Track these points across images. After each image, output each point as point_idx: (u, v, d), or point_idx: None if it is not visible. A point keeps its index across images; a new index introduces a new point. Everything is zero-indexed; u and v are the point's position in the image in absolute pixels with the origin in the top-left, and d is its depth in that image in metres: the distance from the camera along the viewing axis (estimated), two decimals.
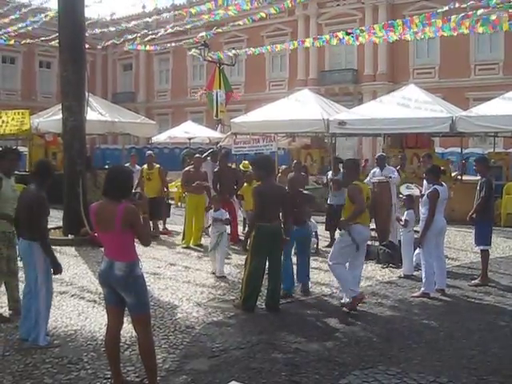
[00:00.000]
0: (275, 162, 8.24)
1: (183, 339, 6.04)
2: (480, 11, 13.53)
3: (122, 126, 19.15)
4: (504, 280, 9.00)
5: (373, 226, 9.70)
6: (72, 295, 7.81)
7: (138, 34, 22.79)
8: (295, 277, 8.16)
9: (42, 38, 21.38)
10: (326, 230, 12.02)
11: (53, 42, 18.57)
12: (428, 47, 34.24)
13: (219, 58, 21.10)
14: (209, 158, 13.70)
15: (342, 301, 7.37)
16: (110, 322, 4.88)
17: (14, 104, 34.19)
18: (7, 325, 6.39)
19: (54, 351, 5.62)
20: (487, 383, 5.02)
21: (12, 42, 22.38)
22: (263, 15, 18.57)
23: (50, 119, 18.56)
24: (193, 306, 7.36)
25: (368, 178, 11.55)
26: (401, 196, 10.23)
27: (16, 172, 7.29)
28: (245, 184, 12.67)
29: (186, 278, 8.99)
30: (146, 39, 23.02)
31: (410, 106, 16.27)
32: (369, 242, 11.04)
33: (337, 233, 8.20)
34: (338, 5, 37.72)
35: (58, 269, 5.88)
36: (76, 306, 7.29)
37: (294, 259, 8.35)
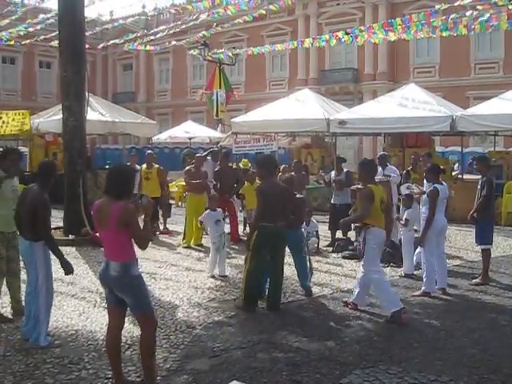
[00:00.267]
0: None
1: (184, 339, 6.04)
2: (478, 10, 13.53)
3: (123, 126, 19.15)
4: (505, 279, 9.00)
5: None
6: (73, 295, 7.81)
7: (138, 34, 22.79)
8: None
9: (42, 37, 21.34)
10: (329, 229, 12.01)
11: (53, 43, 18.57)
12: (428, 46, 34.19)
13: (219, 58, 21.11)
14: (209, 158, 13.70)
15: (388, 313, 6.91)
16: (110, 322, 4.87)
17: (14, 104, 34.16)
18: (8, 325, 6.39)
19: (55, 351, 5.62)
20: (488, 382, 5.02)
21: (12, 42, 22.37)
22: (263, 12, 18.59)
23: (51, 119, 18.56)
24: (194, 305, 7.36)
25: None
26: (400, 195, 10.23)
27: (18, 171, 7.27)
28: (246, 183, 12.68)
29: (186, 278, 8.99)
30: (146, 40, 23.01)
31: (410, 105, 16.25)
32: None
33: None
34: (338, 4, 37.67)
35: (68, 269, 5.88)
36: (77, 306, 7.30)
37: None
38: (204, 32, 20.70)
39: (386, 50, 34.92)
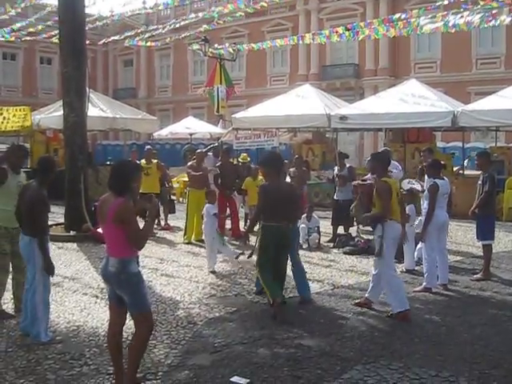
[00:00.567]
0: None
1: (185, 335, 6.04)
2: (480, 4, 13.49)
3: (124, 122, 19.16)
4: (506, 274, 9.00)
5: None
6: (74, 291, 7.82)
7: (139, 30, 22.75)
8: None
9: (43, 36, 21.32)
10: (332, 225, 12.01)
11: (53, 39, 18.54)
12: (429, 41, 34.11)
13: (220, 54, 21.06)
14: (210, 154, 13.69)
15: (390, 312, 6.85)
16: (111, 318, 4.86)
17: (14, 100, 34.16)
18: (9, 321, 6.41)
19: (57, 347, 5.63)
20: (489, 377, 5.02)
21: (13, 38, 22.35)
22: (265, 4, 18.55)
23: (51, 115, 18.57)
24: (195, 301, 7.37)
25: (370, 173, 11.53)
26: (401, 191, 10.20)
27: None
28: (249, 178, 12.70)
29: (187, 273, 9.00)
30: (147, 36, 22.96)
31: (411, 100, 16.24)
32: (370, 237, 11.10)
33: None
34: None
35: (50, 269, 5.83)
36: (78, 301, 7.31)
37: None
38: (205, 26, 20.63)
39: (387, 46, 34.86)
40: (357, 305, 7.12)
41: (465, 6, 14.32)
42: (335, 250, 11.02)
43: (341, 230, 11.95)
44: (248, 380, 4.88)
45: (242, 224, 13.10)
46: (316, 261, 9.94)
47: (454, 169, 17.26)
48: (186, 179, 13.11)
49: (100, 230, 11.76)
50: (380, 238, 6.78)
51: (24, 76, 45.07)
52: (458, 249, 11.12)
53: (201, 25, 21.02)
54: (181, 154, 22.54)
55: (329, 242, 11.68)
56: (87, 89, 12.78)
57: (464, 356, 5.49)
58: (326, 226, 12.14)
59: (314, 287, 7.97)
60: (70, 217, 12.36)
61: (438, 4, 14.95)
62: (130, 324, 5.95)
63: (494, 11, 12.84)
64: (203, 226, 9.78)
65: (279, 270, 7.08)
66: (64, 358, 5.36)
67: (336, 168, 12.35)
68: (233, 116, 19.70)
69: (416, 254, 9.25)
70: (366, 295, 7.13)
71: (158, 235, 12.67)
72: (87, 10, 13.66)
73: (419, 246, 8.91)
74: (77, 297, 7.54)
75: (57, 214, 13.33)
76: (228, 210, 12.32)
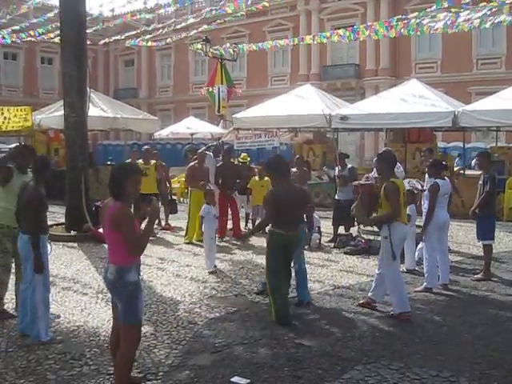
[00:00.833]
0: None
1: (186, 335, 6.04)
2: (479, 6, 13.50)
3: (124, 122, 19.16)
4: (507, 274, 8.99)
5: None
6: (75, 291, 7.82)
7: (139, 30, 22.77)
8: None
9: (44, 36, 21.36)
10: (333, 225, 12.01)
11: (55, 39, 18.57)
12: (430, 42, 34.10)
13: (221, 54, 21.08)
14: (211, 153, 13.66)
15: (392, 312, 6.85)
16: (114, 320, 4.79)
17: (15, 100, 34.18)
18: (10, 321, 6.40)
19: (57, 347, 5.63)
20: (490, 377, 5.01)
21: (14, 39, 22.37)
22: (266, 4, 18.55)
23: (52, 115, 18.57)
24: (195, 301, 7.36)
25: (372, 173, 11.54)
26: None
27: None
28: (255, 178, 12.73)
29: (188, 273, 8.99)
30: (148, 36, 22.97)
31: (412, 100, 16.24)
32: (371, 237, 11.11)
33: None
34: (340, 0, 37.60)
35: (38, 266, 5.79)
36: (79, 301, 7.30)
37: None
38: (205, 26, 20.65)
39: (388, 46, 34.86)
40: (360, 305, 7.10)
41: (465, 6, 14.30)
42: (336, 250, 11.01)
43: (341, 230, 11.94)
44: (248, 380, 4.88)
45: (242, 224, 13.10)
46: (317, 261, 9.94)
47: (455, 169, 17.26)
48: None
49: (101, 230, 11.80)
50: (386, 239, 6.75)
51: (25, 76, 45.09)
52: (459, 249, 11.12)
53: (202, 25, 21.01)
54: (182, 154, 22.54)
55: (329, 242, 11.68)
56: (88, 89, 12.79)
57: (465, 356, 5.49)
58: (326, 226, 12.14)
59: (314, 287, 7.98)
60: (70, 217, 12.36)
61: (437, 8, 14.93)
62: None
63: (493, 9, 12.83)
64: (202, 226, 9.78)
65: (288, 274, 6.87)
66: (64, 358, 5.36)
67: (337, 168, 12.34)
68: (234, 116, 19.72)
69: (417, 254, 9.25)
70: (369, 294, 7.11)
71: (158, 235, 12.67)
72: (88, 8, 13.67)
73: (420, 245, 8.91)
74: (77, 297, 7.54)
75: (57, 214, 13.35)
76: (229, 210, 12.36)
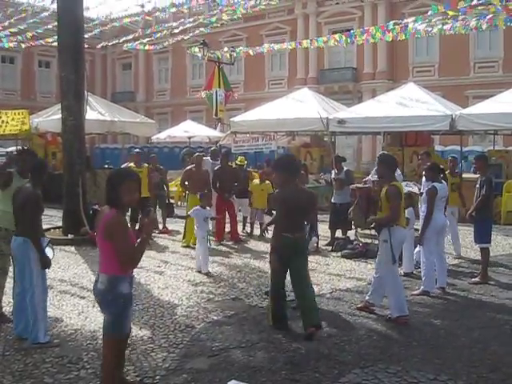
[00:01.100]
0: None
1: (183, 338, 6.03)
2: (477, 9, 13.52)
3: (122, 126, 19.16)
4: (504, 278, 9.00)
5: None
6: (72, 294, 7.81)
7: (137, 34, 22.76)
8: None
9: (41, 41, 21.38)
10: (329, 228, 12.01)
11: (52, 43, 18.56)
12: (427, 45, 34.18)
13: (218, 57, 21.11)
14: (208, 158, 13.65)
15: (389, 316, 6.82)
16: None
17: (13, 104, 34.13)
18: (7, 324, 6.38)
19: (54, 351, 5.62)
20: (487, 381, 5.02)
21: (12, 44, 22.39)
22: (263, 7, 18.57)
23: (50, 119, 18.57)
24: (193, 305, 7.36)
25: (369, 176, 11.56)
26: None
27: None
28: (255, 181, 12.76)
29: (186, 277, 8.99)
30: (146, 40, 22.98)
31: (409, 104, 16.26)
32: (368, 241, 11.12)
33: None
34: (338, 3, 37.63)
35: (46, 262, 5.83)
36: (76, 305, 7.29)
37: None
38: (202, 29, 20.66)
39: (386, 49, 34.90)
40: (359, 309, 7.08)
41: (463, 9, 14.33)
42: (333, 254, 11.02)
43: (339, 233, 11.95)
44: None
45: (239, 228, 13.10)
46: (314, 264, 9.92)
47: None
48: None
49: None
50: (386, 242, 6.75)
51: (22, 79, 45.05)
52: (457, 252, 11.10)
53: (199, 28, 21.03)
54: (179, 158, 22.54)
55: (327, 245, 11.68)
56: (85, 92, 12.78)
57: (462, 359, 5.49)
58: (324, 230, 12.13)
59: None
60: (67, 220, 12.35)
61: (434, 13, 14.95)
62: None
63: (489, 16, 12.85)
64: (195, 230, 9.83)
65: (299, 285, 6.37)
66: (61, 361, 5.35)
67: (333, 171, 12.35)
68: (231, 119, 19.74)
69: (414, 257, 9.25)
70: (367, 298, 7.10)
71: (156, 238, 12.66)
72: (86, 12, 13.68)
73: (417, 249, 8.91)
74: (74, 300, 7.53)
75: (55, 218, 13.33)
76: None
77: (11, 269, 6.58)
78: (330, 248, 11.46)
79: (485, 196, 8.66)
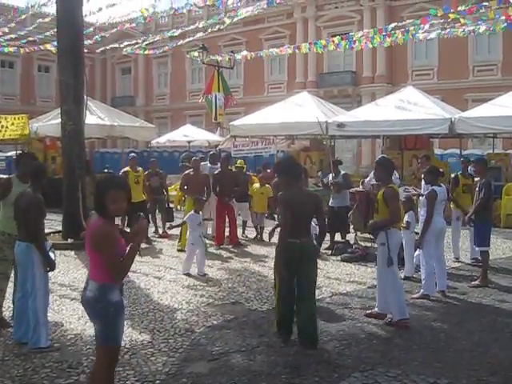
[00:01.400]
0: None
1: (183, 342, 6.03)
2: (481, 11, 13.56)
3: (121, 130, 19.19)
4: (504, 281, 9.00)
5: None
6: (72, 299, 7.79)
7: (137, 40, 22.82)
8: None
9: (42, 48, 21.42)
10: (328, 232, 11.98)
11: (51, 47, 18.59)
12: (426, 49, 34.21)
13: (217, 61, 21.13)
14: (207, 163, 13.65)
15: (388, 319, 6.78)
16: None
17: (13, 108, 34.10)
18: (6, 329, 6.37)
19: (54, 355, 5.61)
20: None
21: (12, 49, 22.42)
22: (261, 10, 18.59)
23: (49, 123, 18.58)
24: (192, 309, 7.35)
25: (368, 179, 11.56)
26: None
27: None
28: (256, 185, 12.77)
29: (185, 281, 8.98)
30: (145, 43, 23.02)
31: (408, 107, 16.29)
32: (368, 245, 11.12)
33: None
34: (337, 7, 37.69)
35: (51, 264, 5.85)
36: (76, 309, 7.28)
37: None
38: (201, 33, 20.68)
39: (385, 53, 34.94)
40: (368, 316, 7.01)
41: (463, 12, 14.38)
42: (333, 258, 11.01)
43: (338, 237, 11.94)
44: None
45: (239, 232, 13.09)
46: None
47: (452, 175, 17.26)
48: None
49: None
50: (384, 245, 6.75)
51: (22, 84, 45.06)
52: (456, 255, 11.10)
53: (198, 32, 21.05)
54: (179, 162, 22.57)
55: (327, 249, 11.66)
56: (85, 97, 12.79)
57: (462, 363, 5.49)
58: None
59: None
60: (67, 224, 12.34)
61: (433, 15, 15.00)
62: (127, 332, 5.95)
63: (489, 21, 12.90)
64: (187, 235, 9.87)
65: (303, 296, 6.04)
66: (61, 366, 5.34)
67: (330, 175, 12.35)
68: (231, 124, 19.76)
69: (414, 260, 9.25)
70: (376, 309, 7.04)
71: (155, 243, 12.67)
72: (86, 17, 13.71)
73: (417, 252, 8.91)
74: (74, 305, 7.51)
75: (54, 222, 13.32)
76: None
77: (12, 273, 6.60)
78: (329, 252, 11.45)
79: (484, 199, 8.67)
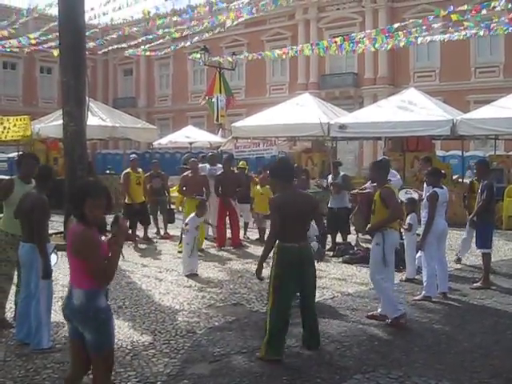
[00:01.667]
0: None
1: (184, 344, 6.02)
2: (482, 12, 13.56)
3: (123, 131, 19.22)
4: (506, 283, 8.98)
5: None
6: None
7: (139, 40, 22.82)
8: None
9: (43, 46, 21.44)
10: (327, 233, 11.98)
11: (53, 49, 18.61)
12: (428, 50, 34.18)
13: (219, 63, 21.17)
14: (206, 165, 13.62)
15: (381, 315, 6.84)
16: (72, 364, 4.22)
17: (15, 110, 34.20)
18: (8, 330, 6.38)
19: (56, 356, 5.61)
20: None
21: (15, 49, 22.47)
22: (266, 9, 18.57)
23: (51, 124, 18.61)
24: (194, 310, 7.35)
25: (368, 183, 11.55)
26: (402, 200, 10.20)
27: None
28: (257, 186, 12.79)
29: (187, 282, 8.98)
30: (148, 46, 23.03)
31: (410, 109, 16.30)
32: (369, 246, 11.09)
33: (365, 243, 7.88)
34: (338, 9, 37.70)
35: (47, 273, 5.77)
36: None
37: None
38: (206, 34, 20.69)
39: (386, 55, 34.93)
40: (369, 317, 7.00)
41: (467, 15, 14.38)
42: (334, 259, 11.01)
43: (339, 238, 11.93)
44: None
45: (241, 233, 13.09)
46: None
47: (454, 177, 17.27)
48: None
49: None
50: (379, 245, 6.75)
51: (24, 85, 45.14)
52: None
53: (200, 34, 21.07)
54: (181, 163, 22.58)
55: (328, 250, 11.64)
56: (87, 98, 12.80)
57: (464, 365, 5.48)
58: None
59: None
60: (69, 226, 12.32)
61: (436, 15, 15.01)
62: (128, 333, 5.95)
63: (493, 24, 12.90)
64: (184, 235, 9.89)
65: (307, 304, 5.95)
66: (63, 367, 5.33)
67: (330, 176, 12.35)
68: (232, 125, 19.78)
69: (416, 262, 9.24)
70: (379, 310, 7.04)
71: (157, 244, 12.68)
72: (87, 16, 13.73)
73: (418, 254, 8.90)
74: None
75: (56, 223, 13.31)
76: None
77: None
78: (331, 253, 11.44)
79: (485, 201, 8.67)
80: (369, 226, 7.06)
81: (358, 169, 30.55)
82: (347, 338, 6.24)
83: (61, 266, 9.90)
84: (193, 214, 9.93)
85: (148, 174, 13.64)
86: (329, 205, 12.04)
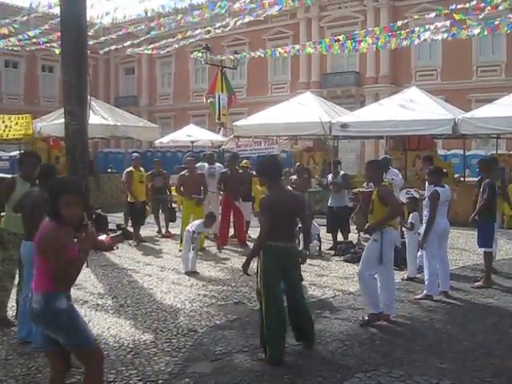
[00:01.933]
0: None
1: (186, 342, 6.03)
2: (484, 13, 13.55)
3: (125, 130, 19.24)
4: (507, 282, 8.98)
5: None
6: (74, 299, 7.74)
7: (142, 39, 22.85)
8: None
9: (45, 45, 21.47)
10: (327, 232, 12.01)
11: (55, 46, 18.64)
12: (430, 49, 34.15)
13: (221, 61, 21.17)
14: (205, 164, 13.61)
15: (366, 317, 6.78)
16: (52, 366, 4.18)
17: (16, 108, 34.19)
18: (10, 328, 6.39)
19: None
20: None
21: (17, 48, 22.49)
22: (263, 11, 18.57)
23: (53, 123, 18.63)
24: (195, 309, 7.36)
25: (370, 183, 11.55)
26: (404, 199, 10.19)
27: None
28: (257, 186, 12.81)
29: (188, 281, 8.99)
30: (150, 46, 23.05)
31: (412, 108, 16.29)
32: None
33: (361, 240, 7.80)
34: (340, 7, 37.66)
35: None
36: (79, 309, 7.26)
37: None
38: (205, 35, 20.70)
39: (388, 53, 34.89)
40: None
41: (469, 14, 14.36)
42: (336, 258, 11.00)
43: (340, 237, 11.93)
44: None
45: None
46: (317, 268, 9.93)
47: (455, 176, 17.27)
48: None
49: (100, 238, 11.79)
50: (376, 241, 6.76)
51: (26, 84, 45.16)
52: (459, 256, 11.10)
53: (202, 33, 21.07)
54: (182, 162, 22.60)
55: (330, 249, 11.66)
56: (89, 97, 12.80)
57: (465, 364, 5.48)
58: (324, 234, 12.11)
59: (314, 294, 7.99)
60: None
61: (439, 14, 14.99)
62: (130, 331, 5.96)
63: (496, 23, 12.87)
64: (185, 233, 9.90)
65: (296, 303, 5.89)
66: None
67: (330, 175, 12.35)
68: (234, 124, 19.78)
69: (417, 261, 9.24)
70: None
71: (158, 243, 12.69)
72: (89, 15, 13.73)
73: (419, 253, 8.90)
74: (77, 305, 7.49)
75: None
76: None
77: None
78: (332, 252, 11.45)
79: (487, 200, 8.66)
80: (368, 224, 7.06)
81: (359, 168, 30.54)
82: (348, 337, 6.24)
83: None
84: (200, 222, 9.88)
85: (150, 172, 13.66)
86: (329, 204, 12.05)
